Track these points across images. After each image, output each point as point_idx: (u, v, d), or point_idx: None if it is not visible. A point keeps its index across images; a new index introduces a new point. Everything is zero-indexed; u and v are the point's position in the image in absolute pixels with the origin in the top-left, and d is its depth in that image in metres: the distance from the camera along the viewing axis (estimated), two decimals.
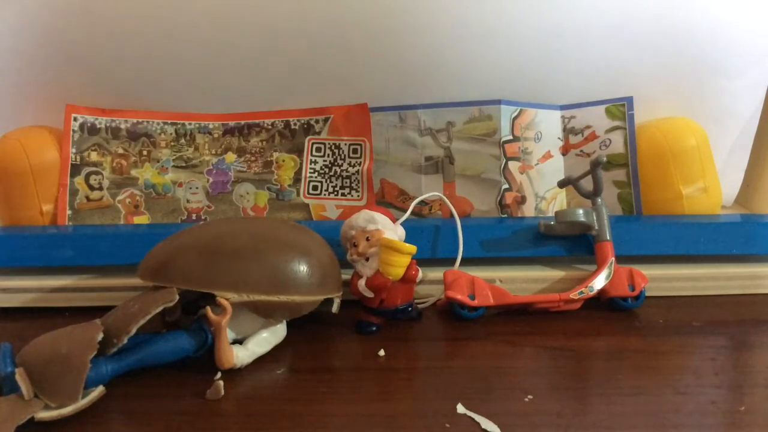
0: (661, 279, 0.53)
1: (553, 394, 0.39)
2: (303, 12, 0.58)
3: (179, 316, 0.46)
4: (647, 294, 0.51)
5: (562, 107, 0.64)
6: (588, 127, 0.63)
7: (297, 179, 0.63)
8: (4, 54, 0.60)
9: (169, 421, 0.37)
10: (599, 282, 0.50)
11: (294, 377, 0.42)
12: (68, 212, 0.60)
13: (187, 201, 0.62)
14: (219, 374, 0.41)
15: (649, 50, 0.61)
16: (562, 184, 0.56)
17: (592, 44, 0.60)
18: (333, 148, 0.63)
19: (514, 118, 0.61)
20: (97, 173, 0.61)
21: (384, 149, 0.62)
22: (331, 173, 0.63)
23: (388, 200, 0.63)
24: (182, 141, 0.63)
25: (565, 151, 0.64)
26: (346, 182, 0.62)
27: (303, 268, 0.43)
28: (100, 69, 0.61)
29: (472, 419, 0.36)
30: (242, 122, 0.63)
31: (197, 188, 0.62)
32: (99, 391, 0.38)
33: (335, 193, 0.62)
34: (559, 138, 0.64)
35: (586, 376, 0.41)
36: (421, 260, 0.48)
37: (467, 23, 0.59)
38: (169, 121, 0.63)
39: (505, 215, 0.61)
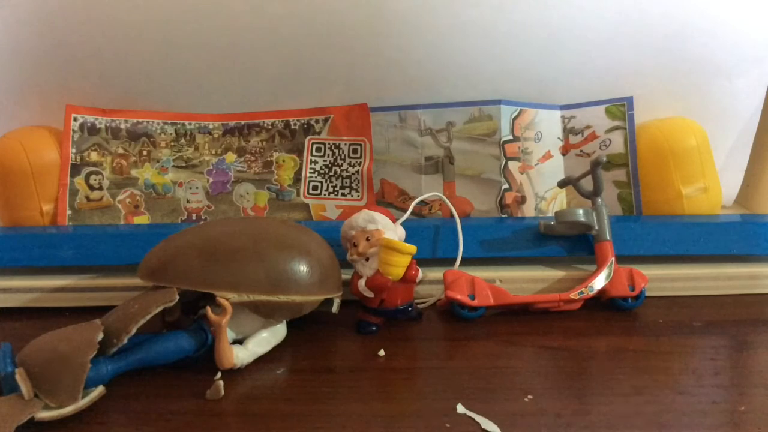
0: (661, 279, 0.53)
1: (553, 394, 0.39)
2: (303, 12, 0.58)
3: (179, 316, 0.46)
4: (647, 294, 0.51)
5: (562, 107, 0.64)
6: (588, 127, 0.63)
7: (297, 179, 0.63)
8: (4, 54, 0.60)
9: (169, 421, 0.37)
10: (599, 282, 0.50)
11: (294, 377, 0.42)
12: (68, 212, 0.60)
13: (187, 201, 0.62)
14: (219, 374, 0.41)
15: (649, 50, 0.61)
16: (562, 184, 0.56)
17: (592, 44, 0.61)
18: (333, 148, 0.63)
19: (514, 118, 0.61)
20: (97, 173, 0.61)
21: (384, 149, 0.62)
22: (331, 173, 0.63)
23: (388, 200, 0.63)
24: (182, 141, 0.63)
25: (565, 151, 0.64)
26: (346, 182, 0.62)
27: (303, 268, 0.43)
28: (100, 69, 0.61)
29: (472, 419, 0.36)
30: (242, 122, 0.63)
31: (197, 188, 0.62)
32: (99, 391, 0.38)
33: (335, 193, 0.62)
34: (559, 138, 0.64)
35: (586, 376, 0.41)
36: (421, 260, 0.48)
37: (467, 23, 0.59)
38: (169, 121, 0.63)
39: (505, 215, 0.61)
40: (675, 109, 0.63)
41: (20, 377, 0.36)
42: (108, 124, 0.62)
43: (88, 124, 0.62)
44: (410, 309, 0.48)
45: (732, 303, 0.52)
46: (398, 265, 0.45)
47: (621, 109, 0.62)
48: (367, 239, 0.46)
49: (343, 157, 0.62)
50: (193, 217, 0.62)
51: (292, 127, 0.63)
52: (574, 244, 0.54)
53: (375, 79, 0.62)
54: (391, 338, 0.47)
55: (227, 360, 0.41)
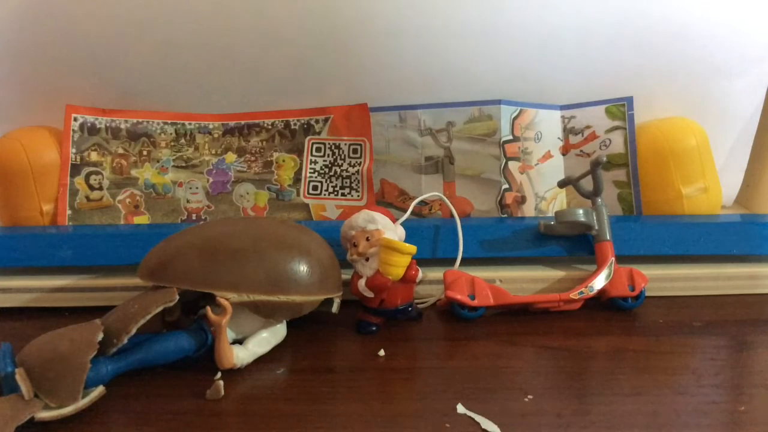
0: (661, 279, 0.53)
1: (553, 394, 0.39)
2: (303, 12, 0.58)
3: (179, 316, 0.46)
4: (647, 294, 0.51)
5: (562, 107, 0.64)
6: (588, 127, 0.63)
7: (297, 179, 0.63)
8: (4, 54, 0.60)
9: (169, 421, 0.37)
10: (599, 282, 0.50)
11: (294, 377, 0.42)
12: (68, 212, 0.60)
13: (187, 201, 0.62)
14: (219, 374, 0.41)
15: (649, 50, 0.61)
16: (562, 184, 0.56)
17: (592, 44, 0.61)
18: (333, 148, 0.63)
19: (514, 118, 0.61)
20: (97, 173, 0.61)
21: (384, 149, 0.62)
22: (331, 173, 0.63)
23: (388, 200, 0.63)
24: (182, 141, 0.63)
25: (565, 151, 0.64)
26: (346, 182, 0.62)
27: (303, 268, 0.43)
28: (100, 69, 0.61)
29: (472, 419, 0.36)
30: (242, 122, 0.63)
31: (197, 188, 0.62)
32: (99, 391, 0.38)
33: (335, 193, 0.62)
34: (559, 138, 0.64)
35: (586, 376, 0.41)
36: (421, 260, 0.48)
37: (467, 23, 0.59)
38: (169, 121, 0.63)
39: (505, 215, 0.61)
40: (675, 109, 0.63)
41: (20, 377, 0.36)
42: (108, 124, 0.62)
43: (88, 124, 0.62)
44: (410, 309, 0.48)
45: (732, 303, 0.52)
46: (398, 265, 0.45)
47: (621, 109, 0.62)
48: (367, 239, 0.46)
49: (343, 157, 0.62)
50: (193, 217, 0.62)
51: (292, 127, 0.63)
52: (574, 244, 0.54)
53: (375, 79, 0.62)
54: (391, 338, 0.47)
55: (227, 360, 0.41)
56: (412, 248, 0.46)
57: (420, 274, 0.47)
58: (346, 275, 0.48)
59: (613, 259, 0.51)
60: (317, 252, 0.45)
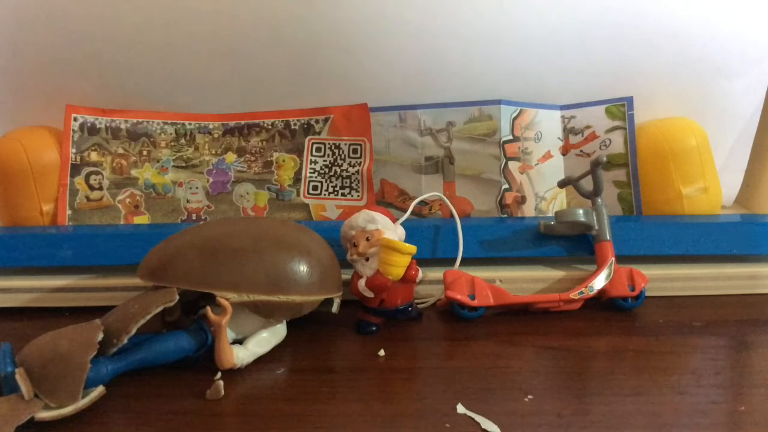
0: (661, 279, 0.53)
1: (553, 394, 0.39)
2: (303, 12, 0.58)
3: (179, 316, 0.46)
4: (647, 294, 0.51)
5: (562, 107, 0.64)
6: (588, 127, 0.63)
7: (297, 179, 0.63)
8: (4, 54, 0.60)
9: (169, 421, 0.37)
10: (599, 282, 0.50)
11: (294, 377, 0.42)
12: (68, 212, 0.60)
13: (187, 201, 0.62)
14: (219, 374, 0.41)
15: (649, 50, 0.61)
16: (562, 184, 0.56)
17: (592, 44, 0.61)
18: (333, 148, 0.63)
19: (514, 118, 0.61)
20: (97, 173, 0.61)
21: (384, 149, 0.62)
22: (331, 173, 0.63)
23: (388, 200, 0.63)
24: (182, 141, 0.63)
25: (565, 151, 0.64)
26: (346, 182, 0.62)
27: (303, 268, 0.43)
28: (100, 69, 0.61)
29: (472, 419, 0.36)
30: (242, 122, 0.63)
31: (197, 188, 0.62)
32: (99, 391, 0.38)
33: (335, 193, 0.62)
34: (559, 138, 0.64)
35: (586, 376, 0.41)
36: (421, 260, 0.48)
37: (467, 23, 0.59)
38: (169, 121, 0.63)
39: (505, 215, 0.61)
40: (675, 109, 0.63)
41: (20, 377, 0.36)
42: (108, 124, 0.62)
43: (88, 124, 0.62)
44: (410, 309, 0.48)
45: (732, 303, 0.52)
46: (398, 265, 0.45)
47: (621, 109, 0.62)
48: (367, 239, 0.46)
49: (343, 157, 0.62)
50: (193, 217, 0.62)
51: (292, 127, 0.63)
52: (574, 244, 0.54)
53: (375, 79, 0.62)
54: (391, 338, 0.47)
55: (227, 360, 0.41)
56: (412, 248, 0.46)
57: (420, 274, 0.47)
58: (346, 275, 0.48)
59: (613, 259, 0.51)
60: (317, 252, 0.45)
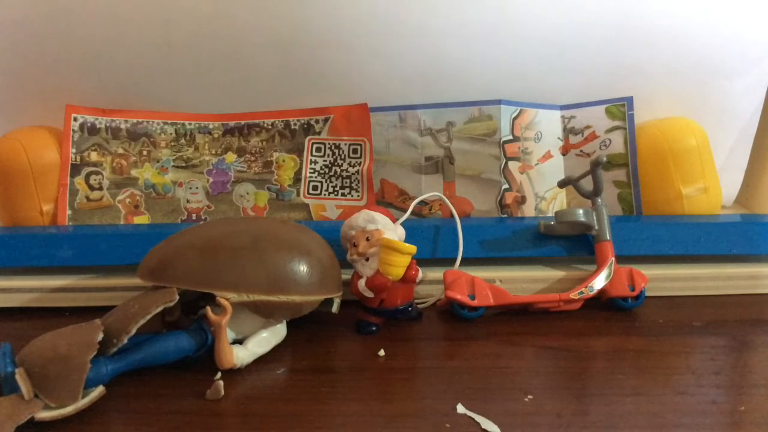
0: (661, 279, 0.53)
1: (553, 394, 0.39)
2: (303, 12, 0.58)
3: (179, 316, 0.46)
4: (647, 294, 0.51)
5: (562, 107, 0.64)
6: (588, 127, 0.63)
7: (297, 179, 0.63)
8: (4, 54, 0.60)
9: (169, 421, 0.37)
10: (599, 282, 0.50)
11: (294, 377, 0.42)
12: (68, 212, 0.60)
13: (187, 201, 0.62)
14: (219, 374, 0.41)
15: (649, 50, 0.61)
16: (562, 184, 0.56)
17: (592, 44, 0.61)
18: (333, 148, 0.63)
19: (514, 118, 0.61)
20: (97, 173, 0.61)
21: (384, 149, 0.62)
22: (331, 173, 0.63)
23: (388, 200, 0.63)
24: (182, 141, 0.63)
25: (565, 151, 0.64)
26: (346, 182, 0.62)
27: (303, 268, 0.43)
28: (100, 69, 0.61)
29: (472, 419, 0.36)
30: (242, 122, 0.63)
31: (197, 188, 0.62)
32: (99, 391, 0.38)
33: (335, 193, 0.62)
34: (559, 138, 0.64)
35: (586, 376, 0.41)
36: (421, 260, 0.48)
37: (467, 23, 0.59)
38: (169, 121, 0.63)
39: (505, 215, 0.61)
40: (675, 109, 0.63)
41: (20, 377, 0.36)
42: (108, 124, 0.62)
43: (88, 124, 0.62)
44: (410, 309, 0.48)
45: (732, 303, 0.52)
46: (398, 265, 0.45)
47: (621, 109, 0.62)
48: (367, 239, 0.46)
49: (343, 157, 0.62)
50: (193, 217, 0.62)
51: (292, 127, 0.63)
52: (574, 244, 0.54)
53: (375, 79, 0.62)
54: (391, 338, 0.47)
55: (227, 360, 0.41)
56: (412, 248, 0.46)
57: (420, 274, 0.47)
58: (346, 275, 0.48)
59: (613, 259, 0.51)
60: (317, 252, 0.45)
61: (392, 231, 0.47)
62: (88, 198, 0.61)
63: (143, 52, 0.60)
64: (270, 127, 0.63)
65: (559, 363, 0.43)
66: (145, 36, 0.59)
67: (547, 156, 0.63)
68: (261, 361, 0.43)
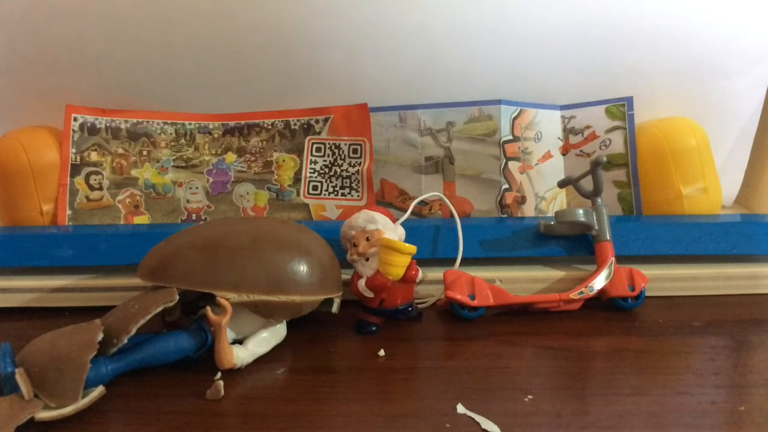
0: (661, 279, 0.53)
1: (553, 394, 0.39)
2: (303, 12, 0.58)
3: (179, 316, 0.46)
4: (647, 294, 0.51)
5: (562, 107, 0.64)
6: (588, 127, 0.63)
7: (297, 179, 0.63)
8: (4, 54, 0.60)
9: (169, 421, 0.37)
10: (599, 282, 0.50)
11: (294, 377, 0.42)
12: (68, 212, 0.60)
13: (187, 201, 0.62)
14: (219, 374, 0.41)
15: (649, 50, 0.61)
16: (562, 184, 0.56)
17: (592, 44, 0.60)
18: (333, 148, 0.63)
19: (514, 118, 0.61)
20: (97, 173, 0.61)
21: (384, 149, 0.62)
22: (331, 173, 0.63)
23: (388, 200, 0.63)
24: (182, 141, 0.63)
25: (565, 151, 0.64)
26: (346, 182, 0.62)
27: (303, 268, 0.43)
28: (100, 69, 0.61)
29: (472, 419, 0.36)
30: (242, 122, 0.63)
31: (197, 188, 0.62)
32: (99, 391, 0.38)
33: (335, 193, 0.62)
34: (559, 138, 0.64)
35: (586, 376, 0.41)
36: (421, 260, 0.48)
37: (467, 23, 0.59)
38: (169, 121, 0.63)
39: (505, 215, 0.61)
40: (675, 109, 0.63)
41: (20, 377, 0.36)
42: (108, 124, 0.62)
43: (88, 124, 0.62)
44: (410, 309, 0.48)
45: (732, 303, 0.52)
46: (398, 265, 0.45)
47: (621, 109, 0.62)
48: (367, 239, 0.46)
49: (343, 157, 0.62)
50: (193, 217, 0.62)
51: (292, 127, 0.63)
52: (574, 244, 0.54)
53: (375, 79, 0.62)
54: (391, 338, 0.47)
55: (227, 360, 0.41)
56: (412, 248, 0.46)
57: (420, 274, 0.47)
58: (346, 275, 0.48)
59: (613, 259, 0.51)
60: (317, 252, 0.45)
61: (392, 231, 0.47)
62: (88, 198, 0.61)
63: (143, 52, 0.60)
64: (270, 127, 0.63)
65: (559, 363, 0.43)
66: (145, 36, 0.59)
67: (547, 156, 0.63)
68: (261, 361, 0.43)
